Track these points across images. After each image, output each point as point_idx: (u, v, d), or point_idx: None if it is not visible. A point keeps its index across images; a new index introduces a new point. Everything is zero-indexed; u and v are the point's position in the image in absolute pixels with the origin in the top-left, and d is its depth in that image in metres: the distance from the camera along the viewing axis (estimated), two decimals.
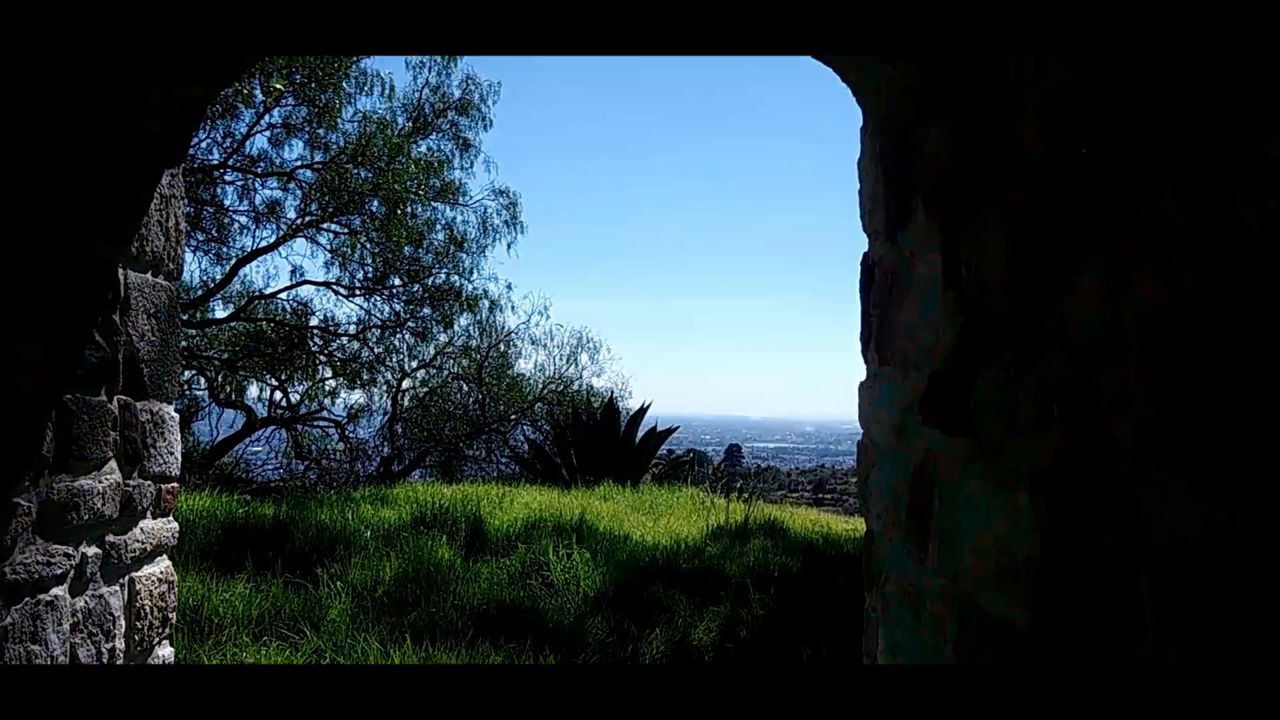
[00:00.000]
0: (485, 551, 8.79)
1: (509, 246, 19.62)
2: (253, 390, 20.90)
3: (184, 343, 18.74)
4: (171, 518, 3.24)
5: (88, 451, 2.64)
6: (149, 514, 3.06)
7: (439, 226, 18.61)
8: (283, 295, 18.59)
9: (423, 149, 18.16)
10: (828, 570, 8.73)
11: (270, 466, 21.19)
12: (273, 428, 21.12)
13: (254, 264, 17.57)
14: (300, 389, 21.10)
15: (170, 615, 3.21)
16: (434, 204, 18.34)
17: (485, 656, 6.01)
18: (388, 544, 8.49)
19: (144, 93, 2.80)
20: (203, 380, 20.13)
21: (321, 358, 19.69)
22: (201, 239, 16.22)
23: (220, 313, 18.74)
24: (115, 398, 2.81)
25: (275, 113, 15.71)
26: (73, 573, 2.60)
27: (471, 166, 19.07)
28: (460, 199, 18.71)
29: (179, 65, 2.88)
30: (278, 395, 20.97)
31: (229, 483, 17.15)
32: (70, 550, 2.57)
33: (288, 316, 18.84)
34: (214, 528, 8.27)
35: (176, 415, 3.21)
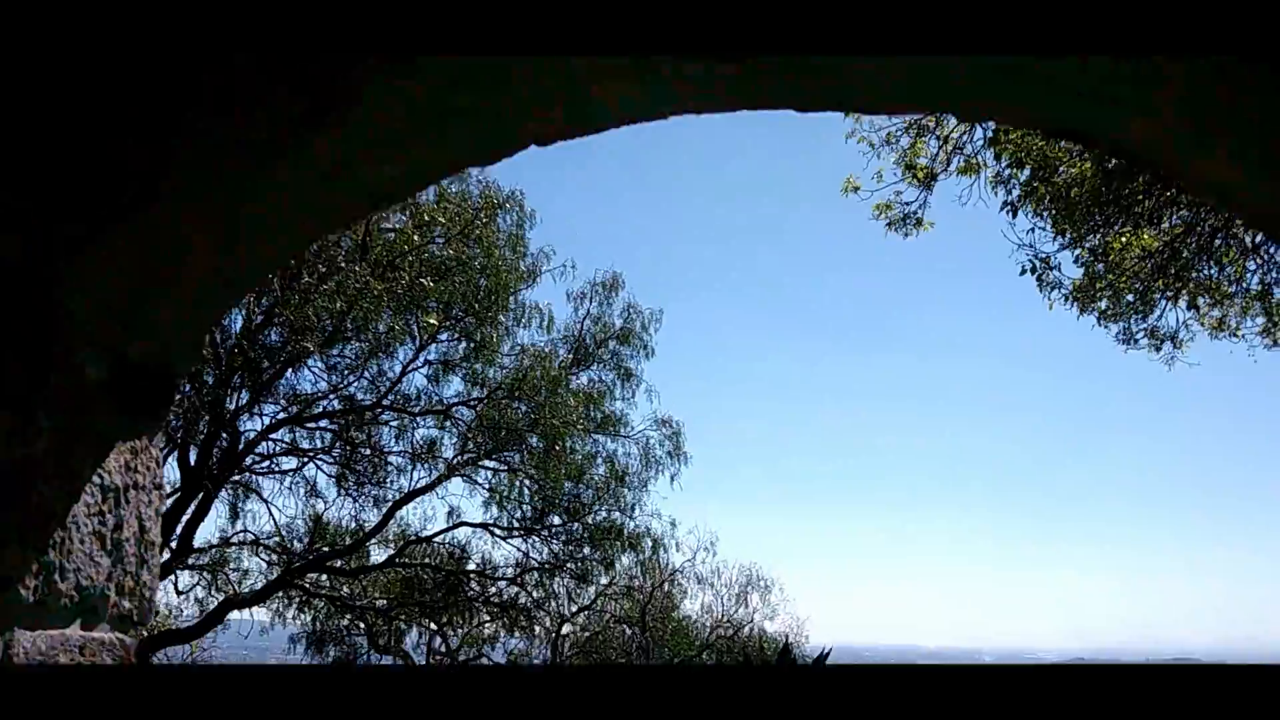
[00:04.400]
0: None
1: (672, 479, 18.49)
2: (412, 634, 19.97)
3: (338, 591, 18.18)
4: None
5: None
6: None
7: (599, 460, 17.72)
8: (439, 539, 17.75)
9: (583, 380, 17.56)
10: None
11: None
12: None
13: (411, 505, 16.90)
14: (459, 633, 20.01)
15: None
16: (594, 436, 17.52)
17: None
18: None
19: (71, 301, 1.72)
20: (361, 625, 19.34)
21: (479, 604, 18.63)
22: (354, 482, 15.66)
23: (376, 555, 18.03)
24: None
25: (432, 349, 15.32)
26: None
27: (633, 396, 18.26)
28: (622, 430, 17.84)
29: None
30: (436, 640, 19.88)
31: None
32: None
33: (445, 561, 17.95)
34: None
35: None
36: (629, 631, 21.10)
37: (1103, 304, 11.36)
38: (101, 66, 1.91)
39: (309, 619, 18.93)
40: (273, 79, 1.99)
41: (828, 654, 17.64)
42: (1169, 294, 11.24)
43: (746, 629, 21.61)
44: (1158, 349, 11.87)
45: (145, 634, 2.11)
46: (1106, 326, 11.60)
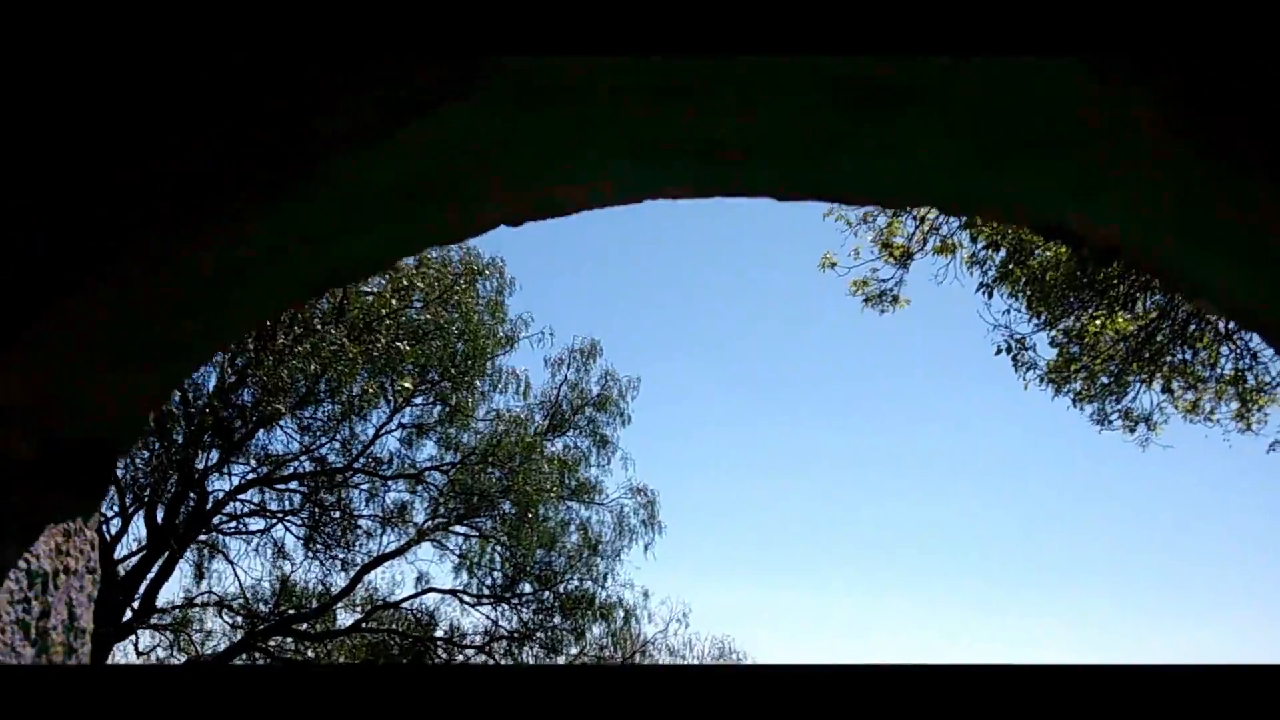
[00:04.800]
0: None
1: (646, 548, 18.32)
2: None
3: (303, 655, 17.83)
4: None
5: None
6: None
7: (573, 527, 17.57)
8: (407, 604, 17.47)
9: (558, 446, 17.46)
10: None
11: None
12: None
13: (379, 569, 16.65)
14: None
15: None
16: (568, 503, 17.40)
17: None
18: None
19: None
20: None
21: None
22: (322, 545, 15.43)
23: (343, 617, 17.71)
24: None
25: (407, 413, 15.22)
26: None
27: (608, 463, 18.17)
28: (596, 498, 17.71)
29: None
30: None
31: None
32: None
33: (412, 627, 17.65)
34: None
35: None
36: None
37: (1077, 385, 11.44)
38: (74, 134, 1.89)
39: None
40: (233, 152, 1.96)
41: None
42: (1143, 377, 11.33)
43: None
44: (1132, 430, 11.97)
45: None
46: (1081, 407, 11.68)
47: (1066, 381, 11.25)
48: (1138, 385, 11.53)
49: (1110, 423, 11.87)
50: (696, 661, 22.03)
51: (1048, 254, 9.90)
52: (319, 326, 12.00)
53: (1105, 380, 11.40)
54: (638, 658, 20.88)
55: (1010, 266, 9.98)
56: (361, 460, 15.02)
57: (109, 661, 15.09)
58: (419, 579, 17.37)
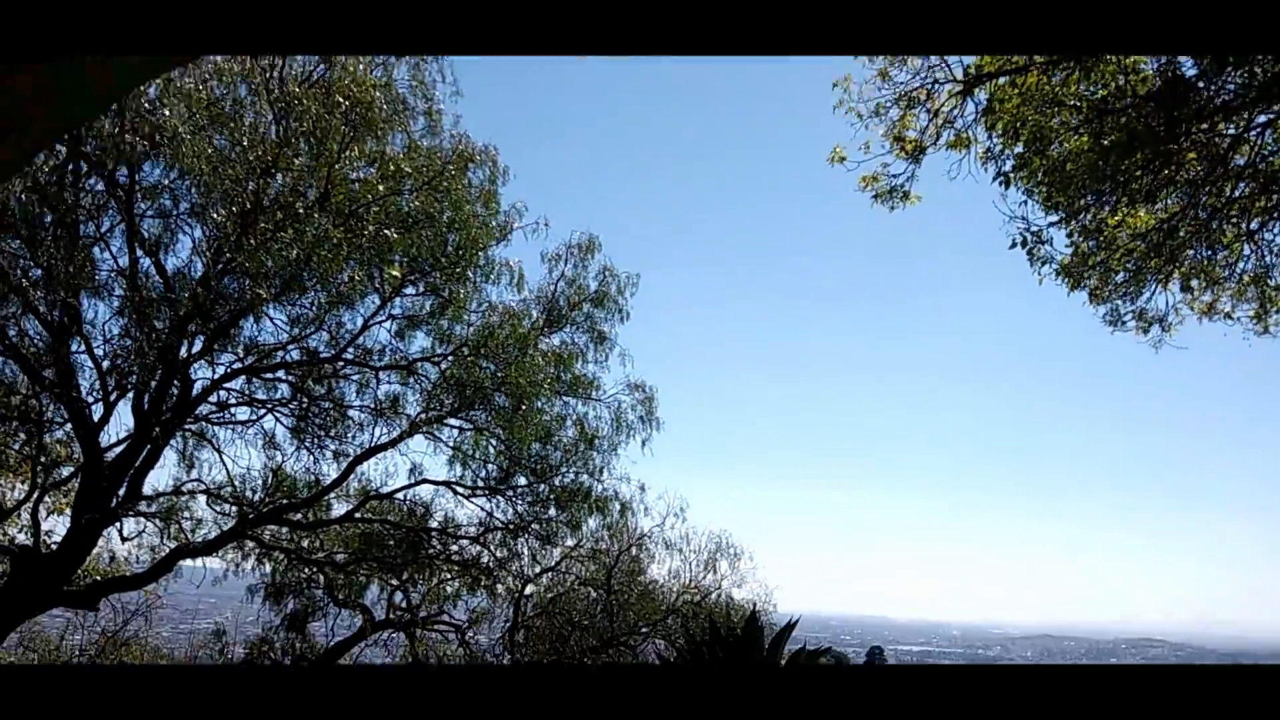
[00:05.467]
0: None
1: (644, 444, 18.09)
2: (373, 589, 19.58)
3: (295, 543, 17.79)
4: None
5: None
6: None
7: (569, 422, 17.34)
8: (400, 495, 17.33)
9: (555, 342, 17.10)
10: None
11: None
12: (390, 631, 19.63)
13: (372, 461, 16.45)
14: (421, 590, 19.63)
15: None
16: (565, 398, 17.13)
17: None
18: None
19: None
20: (321, 578, 18.96)
21: (440, 561, 18.26)
22: (312, 436, 15.18)
23: (336, 508, 17.61)
24: None
25: (398, 304, 14.81)
26: None
27: (606, 360, 17.84)
28: (593, 393, 17.43)
29: None
30: (398, 596, 19.52)
31: None
32: None
33: (406, 518, 17.56)
34: None
35: None
36: (594, 594, 20.78)
37: (1093, 282, 11.01)
38: None
39: (268, 570, 18.55)
40: None
41: (795, 622, 17.45)
42: (1160, 276, 10.90)
43: (714, 595, 21.31)
44: (1145, 331, 11.57)
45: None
46: (1095, 307, 11.28)
47: (1082, 278, 10.82)
48: (1154, 285, 11.10)
49: (1124, 323, 11.48)
50: (694, 554, 22.05)
51: (1068, 145, 9.38)
52: (301, 212, 11.49)
53: (1121, 277, 10.97)
54: (634, 550, 20.88)
55: (1029, 156, 9.46)
56: (351, 351, 14.68)
57: (96, 547, 14.99)
58: (412, 470, 17.23)
